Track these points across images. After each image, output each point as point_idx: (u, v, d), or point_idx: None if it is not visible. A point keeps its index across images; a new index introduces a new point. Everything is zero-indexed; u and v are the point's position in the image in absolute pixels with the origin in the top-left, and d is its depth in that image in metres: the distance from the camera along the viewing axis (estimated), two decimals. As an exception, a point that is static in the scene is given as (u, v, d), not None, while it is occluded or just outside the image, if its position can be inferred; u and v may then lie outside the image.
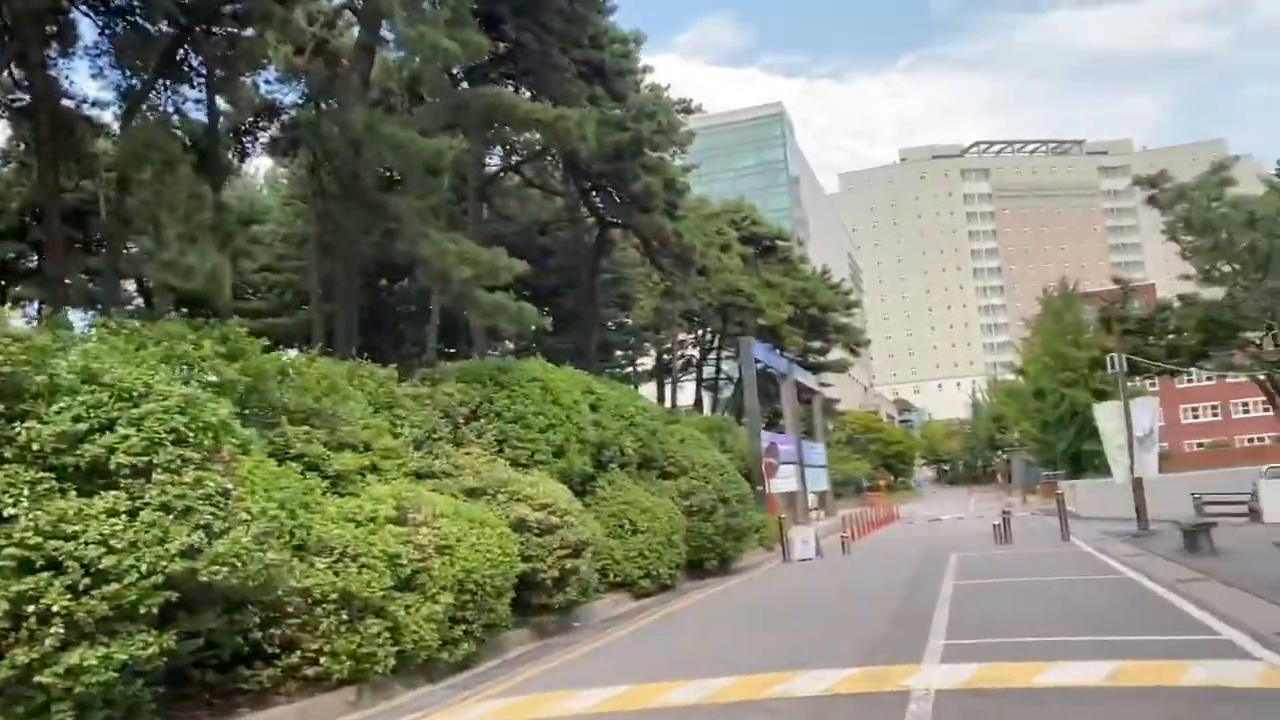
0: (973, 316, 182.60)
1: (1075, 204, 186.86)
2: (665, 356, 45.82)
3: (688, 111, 32.99)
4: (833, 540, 28.44)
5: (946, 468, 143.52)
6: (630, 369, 49.05)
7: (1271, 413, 74.74)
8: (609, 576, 18.13)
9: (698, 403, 53.38)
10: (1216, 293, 38.23)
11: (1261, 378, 38.04)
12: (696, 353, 56.08)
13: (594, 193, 28.30)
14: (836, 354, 65.80)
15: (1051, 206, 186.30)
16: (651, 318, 40.83)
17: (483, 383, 16.57)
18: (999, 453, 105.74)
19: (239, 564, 8.37)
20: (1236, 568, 14.71)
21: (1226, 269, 35.33)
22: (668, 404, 44.70)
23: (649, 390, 50.56)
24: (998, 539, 24.66)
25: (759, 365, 38.92)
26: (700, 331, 53.02)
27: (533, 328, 22.42)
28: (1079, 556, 19.64)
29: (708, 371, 57.19)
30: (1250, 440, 78.16)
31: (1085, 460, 51.74)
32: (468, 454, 15.10)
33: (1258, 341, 37.79)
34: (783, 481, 39.19)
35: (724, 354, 54.32)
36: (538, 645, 13.81)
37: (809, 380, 50.88)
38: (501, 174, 30.49)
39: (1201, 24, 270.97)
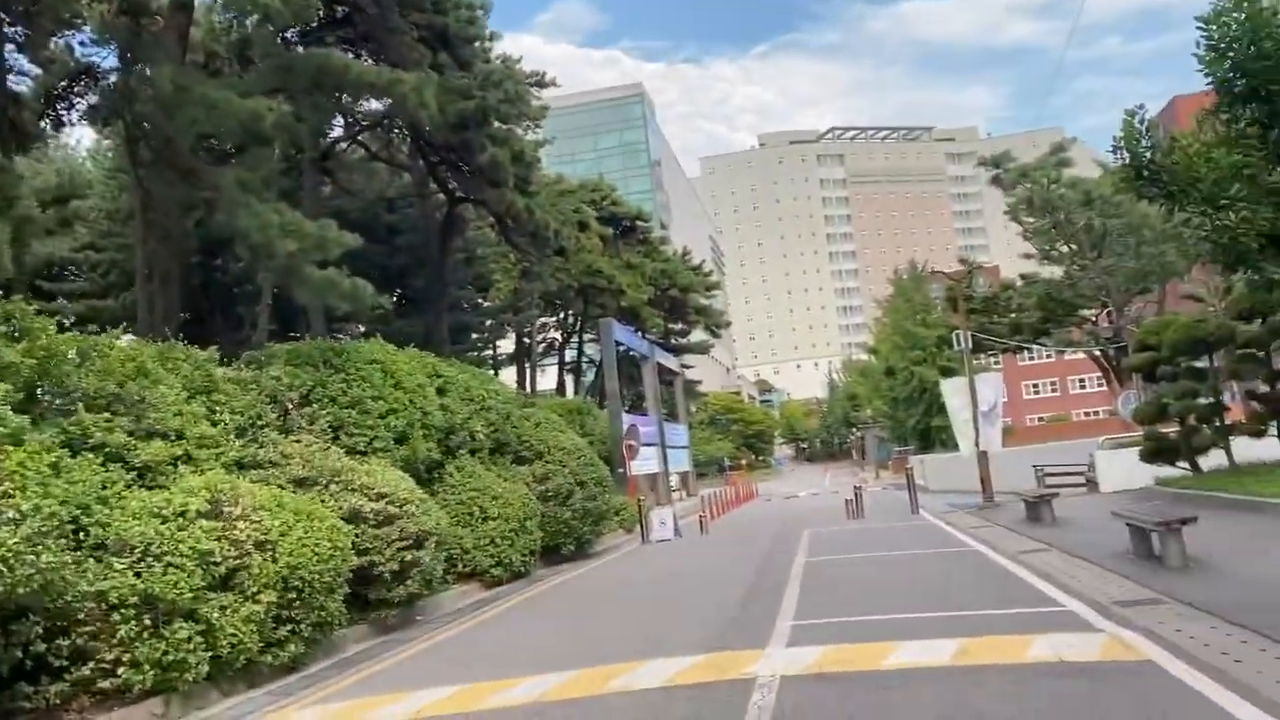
0: (829, 298, 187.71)
1: (925, 189, 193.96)
2: (525, 340, 44.99)
3: (541, 85, 32.14)
4: (692, 520, 28.32)
5: (805, 446, 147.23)
6: (489, 352, 48.00)
7: (1105, 387, 79.22)
8: (458, 566, 17.38)
9: (560, 386, 52.75)
10: (1056, 272, 39.87)
11: (1097, 353, 39.92)
12: (559, 336, 55.42)
13: (442, 166, 27.12)
14: (698, 336, 66.17)
15: (902, 191, 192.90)
16: (510, 299, 39.86)
17: (315, 366, 15.54)
18: (854, 430, 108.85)
19: (5, 569, 7.37)
20: (1076, 537, 15.04)
21: (1065, 249, 36.83)
22: (528, 388, 43.91)
23: (509, 375, 49.67)
24: (850, 514, 24.91)
25: (620, 347, 38.54)
26: (562, 314, 52.33)
27: (379, 309, 21.38)
28: (927, 529, 19.92)
29: (571, 355, 56.61)
30: (1087, 414, 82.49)
31: (934, 435, 53.46)
32: (297, 442, 14.09)
33: (1094, 319, 39.65)
34: (644, 463, 38.99)
35: (586, 337, 53.82)
36: (377, 642, 13.00)
37: (670, 362, 50.89)
38: (345, 146, 29.01)
39: (1037, 18, 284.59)
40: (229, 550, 10.18)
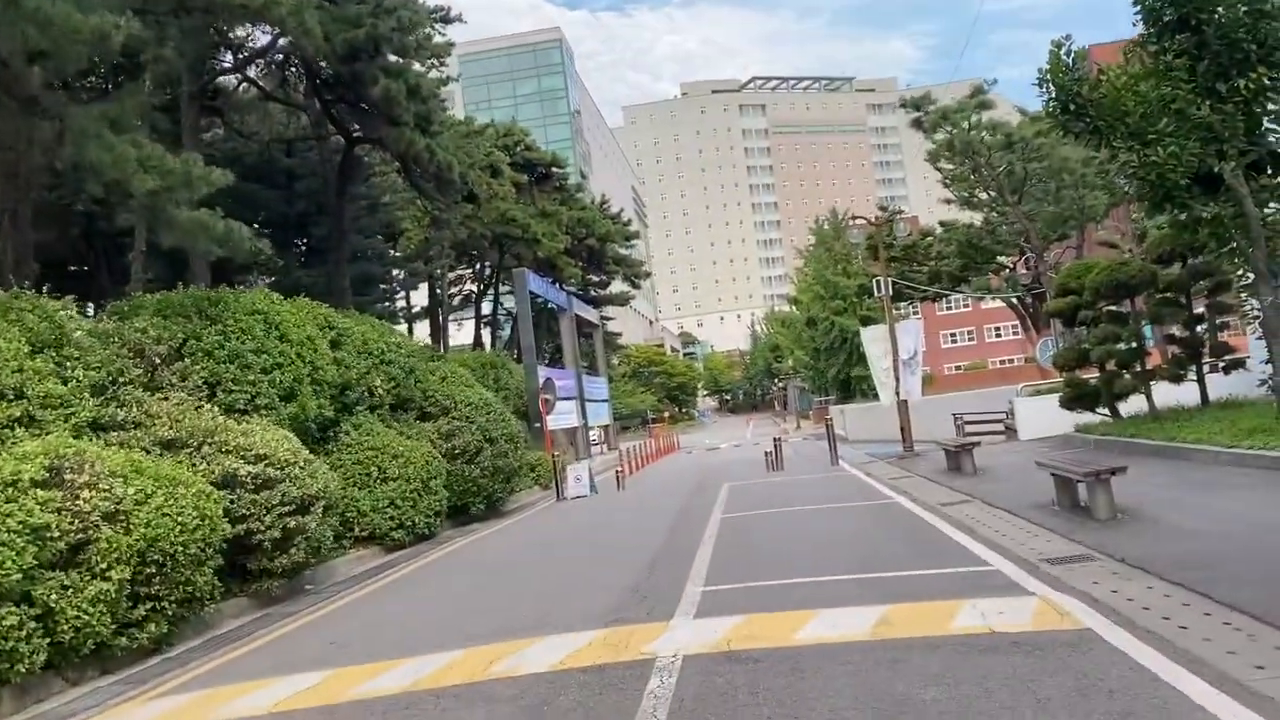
0: (752, 250, 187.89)
1: (846, 139, 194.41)
2: (437, 292, 43.40)
3: (446, 21, 30.37)
4: (611, 475, 27.55)
5: (729, 398, 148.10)
6: (402, 305, 46.35)
7: (1021, 335, 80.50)
8: (355, 530, 16.39)
9: (477, 340, 51.37)
10: (975, 219, 39.69)
11: (1015, 300, 39.97)
12: (475, 288, 53.91)
13: (340, 105, 25.31)
14: (618, 287, 65.16)
15: (824, 141, 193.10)
16: (421, 249, 38.10)
17: (188, 316, 14.21)
18: (776, 381, 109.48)
19: None
20: (998, 487, 14.57)
21: (984, 195, 36.55)
22: (441, 342, 42.46)
23: (424, 329, 48.18)
24: (769, 466, 24.38)
25: (536, 298, 37.40)
26: (478, 266, 50.79)
27: (264, 256, 19.95)
28: (847, 481, 19.42)
29: (488, 308, 55.17)
30: (1003, 362, 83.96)
31: (855, 385, 53.59)
32: (165, 400, 12.85)
33: (1012, 265, 39.62)
34: (562, 417, 38.15)
35: (503, 289, 52.37)
36: (257, 616, 11.97)
37: (589, 313, 49.90)
38: (238, 85, 27.04)
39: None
40: (71, 523, 9.02)
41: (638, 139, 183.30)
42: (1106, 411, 19.64)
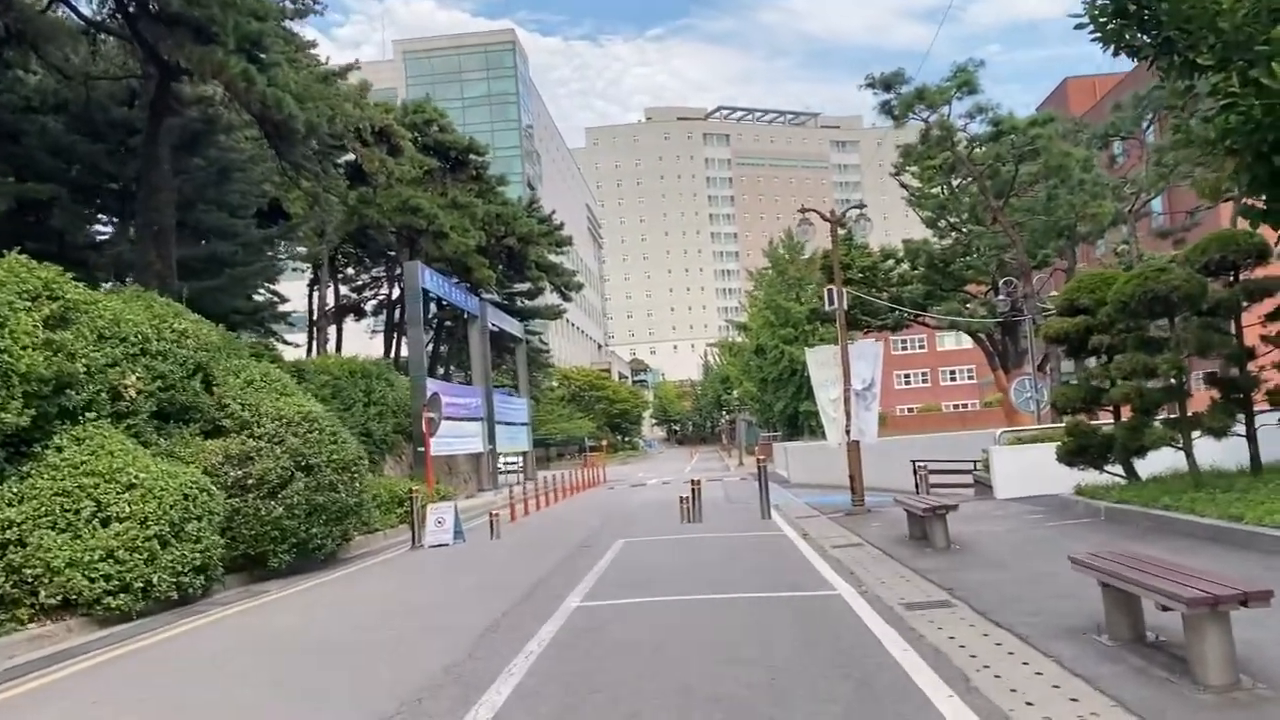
0: (709, 280, 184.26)
1: (808, 175, 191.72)
2: (314, 286, 37.42)
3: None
4: (500, 514, 22.30)
5: (677, 428, 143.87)
6: (294, 302, 40.62)
7: (976, 379, 76.47)
8: (39, 595, 11.07)
9: (387, 351, 45.83)
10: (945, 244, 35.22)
11: (983, 336, 35.33)
12: (388, 292, 48.49)
13: (146, 18, 19.80)
14: (554, 300, 59.89)
15: (786, 175, 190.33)
16: (287, 230, 32.24)
17: None
18: (725, 413, 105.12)
19: None
20: (990, 580, 9.63)
21: (957, 219, 31.88)
22: (318, 348, 36.81)
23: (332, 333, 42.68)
24: (684, 517, 19.34)
25: (433, 298, 32.20)
26: (389, 265, 45.28)
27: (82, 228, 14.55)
28: (776, 547, 14.45)
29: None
30: (955, 406, 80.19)
31: (803, 421, 49.02)
32: None
33: (984, 294, 34.97)
34: (460, 440, 33.00)
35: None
36: None
37: (511, 325, 44.64)
38: (49, 6, 21.60)
39: (920, 22, 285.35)
40: None
41: (599, 160, 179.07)
42: (1120, 469, 14.87)
